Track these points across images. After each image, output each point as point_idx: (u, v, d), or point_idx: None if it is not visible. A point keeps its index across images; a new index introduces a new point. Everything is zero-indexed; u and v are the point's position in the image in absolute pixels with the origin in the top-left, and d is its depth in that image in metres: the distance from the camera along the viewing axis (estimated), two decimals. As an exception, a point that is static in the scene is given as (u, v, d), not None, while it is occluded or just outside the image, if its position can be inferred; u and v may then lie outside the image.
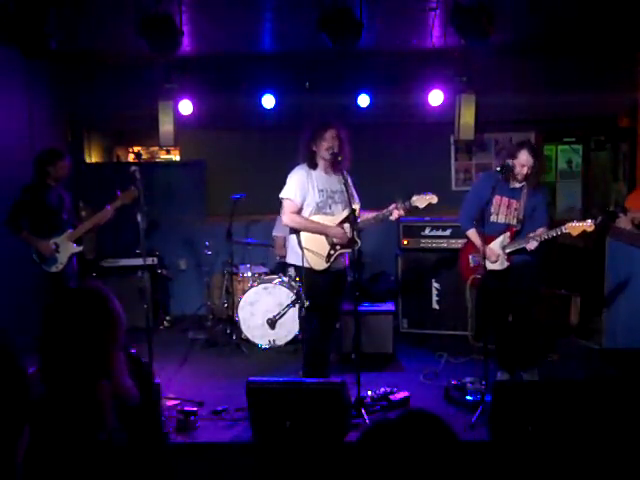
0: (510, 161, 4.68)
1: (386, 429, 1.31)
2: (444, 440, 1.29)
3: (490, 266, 4.74)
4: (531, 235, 4.65)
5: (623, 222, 5.61)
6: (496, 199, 4.77)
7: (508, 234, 4.75)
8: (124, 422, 1.77)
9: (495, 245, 4.77)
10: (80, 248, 5.45)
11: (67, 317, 1.79)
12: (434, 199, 4.54)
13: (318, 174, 4.59)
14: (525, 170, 4.65)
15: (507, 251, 4.73)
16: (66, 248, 5.32)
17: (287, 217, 4.59)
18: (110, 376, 1.81)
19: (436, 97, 6.73)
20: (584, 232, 4.47)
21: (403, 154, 7.44)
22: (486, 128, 7.22)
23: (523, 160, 4.64)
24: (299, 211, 4.58)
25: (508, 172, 4.65)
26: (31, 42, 4.42)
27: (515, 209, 4.77)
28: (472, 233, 4.88)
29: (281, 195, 4.59)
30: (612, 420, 3.60)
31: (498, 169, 4.60)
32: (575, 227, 4.46)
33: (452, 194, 7.60)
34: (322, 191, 4.58)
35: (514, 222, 4.77)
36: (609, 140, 8.08)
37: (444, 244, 6.30)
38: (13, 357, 1.28)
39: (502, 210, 4.79)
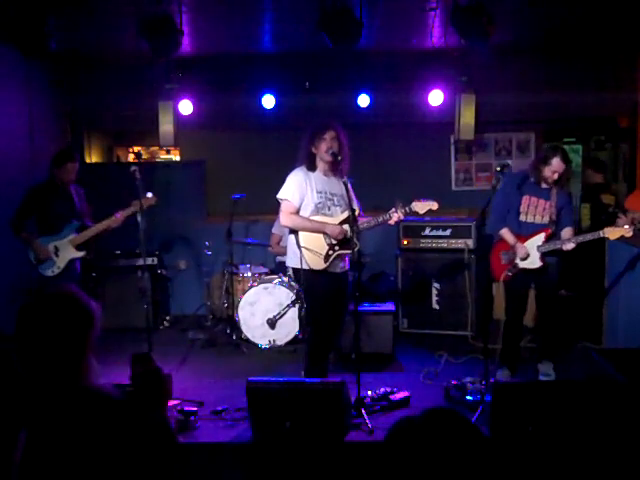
0: (541, 166, 4.80)
1: (412, 427, 1.31)
2: (471, 435, 1.30)
3: (522, 264, 4.83)
4: (567, 237, 4.76)
5: (623, 222, 5.61)
6: (525, 199, 4.88)
7: (543, 235, 4.82)
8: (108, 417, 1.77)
9: (528, 244, 4.84)
10: (82, 253, 5.32)
11: (38, 320, 1.79)
12: (434, 205, 4.55)
13: (317, 176, 4.59)
14: (556, 176, 4.78)
15: (542, 251, 4.80)
16: (66, 252, 5.22)
17: (285, 217, 4.59)
18: (80, 379, 1.81)
19: (436, 97, 6.73)
20: (622, 237, 4.58)
21: (403, 154, 7.45)
22: (486, 128, 7.22)
23: (555, 166, 4.76)
24: (297, 212, 4.58)
25: (506, 172, 4.71)
26: (31, 42, 4.43)
27: (545, 209, 4.85)
28: (505, 232, 4.95)
29: (279, 196, 4.59)
30: (612, 420, 3.60)
31: (498, 169, 4.61)
32: (614, 231, 4.57)
33: (452, 194, 7.63)
34: (320, 193, 4.57)
35: (547, 222, 4.84)
36: (609, 140, 8.09)
37: (444, 244, 6.31)
38: (10, 361, 1.28)
39: (531, 210, 4.88)
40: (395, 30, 6.02)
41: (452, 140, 7.57)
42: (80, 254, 5.32)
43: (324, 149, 4.48)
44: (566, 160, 4.79)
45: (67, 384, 1.77)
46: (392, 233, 6.55)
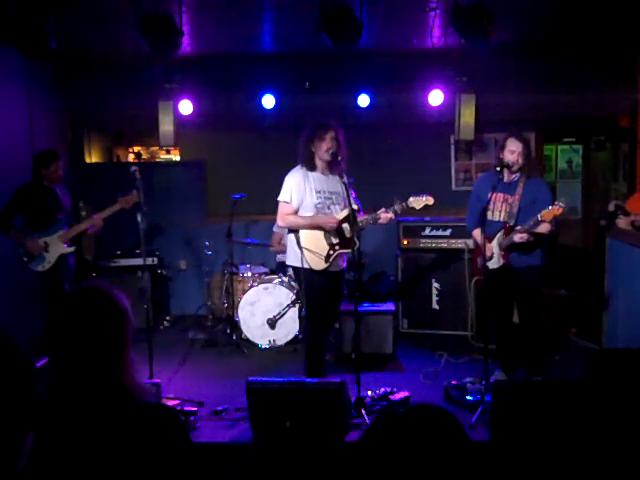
0: (501, 154, 4.71)
1: (393, 423, 1.30)
2: (453, 434, 1.28)
3: (489, 265, 4.75)
4: (517, 228, 4.64)
5: (623, 223, 5.61)
6: (492, 196, 4.76)
7: (502, 230, 4.74)
8: (138, 420, 1.75)
9: (493, 243, 4.78)
10: (72, 249, 5.38)
11: (72, 319, 1.77)
12: (430, 201, 4.58)
13: (315, 175, 4.61)
14: (516, 156, 4.65)
15: (503, 246, 4.71)
16: (56, 248, 5.27)
17: (281, 219, 4.65)
18: (121, 376, 1.79)
19: (436, 97, 6.72)
20: (555, 215, 4.44)
21: (403, 154, 7.44)
22: (486, 128, 7.22)
23: (513, 147, 4.66)
24: (295, 213, 4.60)
25: (506, 168, 4.67)
26: (31, 42, 4.42)
27: (509, 204, 4.75)
28: (476, 233, 4.91)
29: (279, 198, 4.63)
30: (612, 420, 3.60)
31: (498, 169, 4.61)
32: (547, 212, 4.43)
33: (452, 194, 7.62)
34: (319, 192, 4.59)
35: (506, 218, 4.74)
36: (609, 140, 8.08)
37: (444, 244, 6.31)
38: (21, 357, 1.27)
39: (497, 207, 4.78)
40: (395, 30, 6.02)
41: (452, 140, 7.57)
42: (70, 250, 5.37)
43: (324, 149, 4.50)
44: (521, 140, 4.68)
45: (108, 385, 1.75)
46: (392, 233, 6.56)
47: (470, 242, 6.17)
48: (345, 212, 4.58)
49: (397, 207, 4.56)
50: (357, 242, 4.46)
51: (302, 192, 4.57)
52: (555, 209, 4.41)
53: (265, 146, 7.30)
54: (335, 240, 4.59)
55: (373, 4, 4.87)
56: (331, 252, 4.58)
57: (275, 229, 6.56)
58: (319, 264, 4.57)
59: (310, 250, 4.55)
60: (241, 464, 3.93)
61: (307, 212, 4.59)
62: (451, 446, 1.26)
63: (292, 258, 4.68)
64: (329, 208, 4.61)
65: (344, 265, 4.75)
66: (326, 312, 4.67)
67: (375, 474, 1.25)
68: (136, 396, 1.78)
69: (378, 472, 1.25)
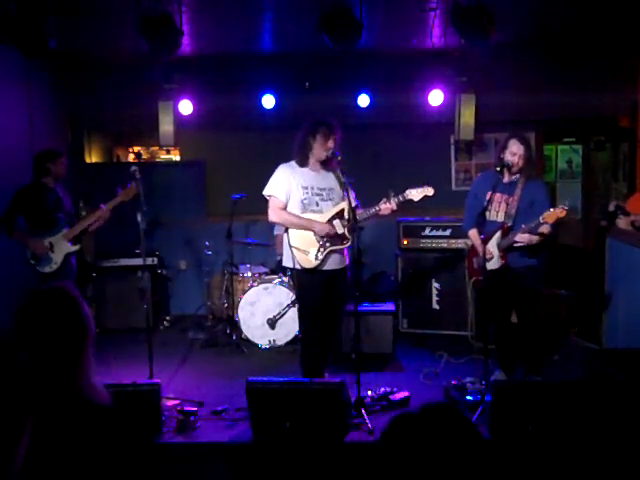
0: (502, 154, 4.69)
1: (408, 423, 1.31)
2: (467, 431, 1.30)
3: (488, 266, 4.73)
4: (522, 227, 4.60)
5: (622, 223, 5.61)
6: (489, 196, 4.72)
7: (500, 231, 4.71)
8: (93, 422, 1.76)
9: (491, 243, 4.76)
10: (76, 247, 5.35)
11: (37, 318, 1.79)
12: (430, 191, 4.54)
13: (304, 171, 4.58)
14: (517, 159, 4.63)
15: (501, 247, 4.69)
16: (61, 247, 5.25)
17: (273, 213, 4.60)
18: (79, 378, 1.80)
19: (436, 97, 6.72)
20: (558, 218, 4.40)
21: (403, 154, 7.44)
22: (486, 128, 7.22)
23: (514, 149, 4.64)
24: (285, 208, 4.58)
25: (506, 168, 4.65)
26: (31, 42, 4.43)
27: (508, 204, 4.72)
28: (472, 233, 4.89)
29: (264, 192, 4.60)
30: (612, 420, 3.60)
31: (498, 169, 4.60)
32: (549, 215, 4.41)
33: (452, 194, 7.61)
34: (306, 188, 4.56)
35: (504, 218, 4.72)
36: (609, 140, 8.09)
37: (444, 244, 6.30)
38: (15, 357, 1.27)
39: (494, 207, 4.75)
40: (395, 30, 6.02)
41: (452, 140, 7.56)
42: (75, 248, 5.34)
43: (325, 148, 4.48)
44: (523, 142, 4.65)
45: (63, 386, 1.76)
46: (392, 233, 6.56)
47: (470, 242, 6.17)
48: (337, 208, 4.56)
49: (393, 200, 4.50)
50: (350, 238, 4.40)
51: (288, 187, 4.54)
52: (558, 211, 4.37)
53: (265, 146, 7.29)
54: (326, 237, 4.56)
55: (373, 4, 4.87)
56: (321, 249, 4.55)
57: (276, 231, 6.53)
58: (309, 262, 4.54)
59: (299, 249, 4.52)
60: (241, 464, 3.93)
61: (293, 208, 4.57)
62: (466, 443, 1.27)
63: (285, 258, 4.67)
64: (317, 205, 4.57)
65: (347, 263, 4.70)
66: (323, 313, 4.62)
67: (395, 473, 1.26)
68: (90, 399, 1.79)
69: (398, 471, 1.26)
